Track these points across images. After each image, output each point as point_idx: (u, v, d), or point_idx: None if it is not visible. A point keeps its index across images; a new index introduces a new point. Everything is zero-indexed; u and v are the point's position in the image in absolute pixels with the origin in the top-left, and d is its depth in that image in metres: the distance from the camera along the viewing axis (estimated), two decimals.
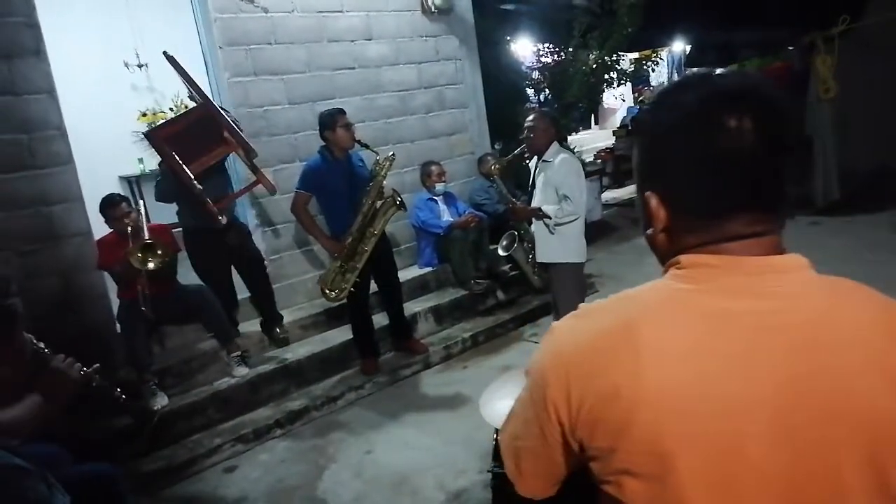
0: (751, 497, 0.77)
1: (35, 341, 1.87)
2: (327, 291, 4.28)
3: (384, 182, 4.24)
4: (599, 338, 0.84)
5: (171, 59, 3.87)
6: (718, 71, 0.88)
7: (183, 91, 7.52)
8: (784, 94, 0.84)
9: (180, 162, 3.81)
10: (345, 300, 4.33)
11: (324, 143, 4.26)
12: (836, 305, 0.81)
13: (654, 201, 0.87)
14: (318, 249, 5.10)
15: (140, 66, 7.46)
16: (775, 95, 0.82)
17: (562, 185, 3.76)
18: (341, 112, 4.23)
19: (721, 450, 0.77)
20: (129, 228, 3.78)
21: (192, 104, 7.70)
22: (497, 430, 1.70)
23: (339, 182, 4.21)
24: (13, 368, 1.60)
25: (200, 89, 4.05)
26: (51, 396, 1.92)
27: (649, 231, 0.91)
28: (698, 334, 0.80)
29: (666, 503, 0.79)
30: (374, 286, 4.53)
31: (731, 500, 0.77)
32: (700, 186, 0.83)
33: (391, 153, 4.26)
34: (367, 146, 4.22)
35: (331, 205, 4.33)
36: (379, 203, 4.23)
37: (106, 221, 3.90)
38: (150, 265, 3.69)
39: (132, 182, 7.33)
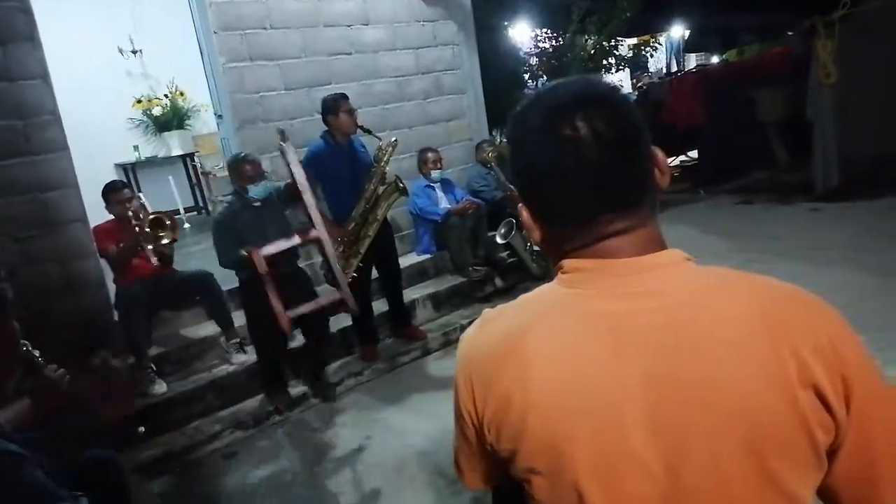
0: (635, 486, 0.81)
1: (30, 348, 1.84)
2: (328, 276, 4.27)
3: (387, 168, 4.22)
4: (495, 345, 0.90)
5: (282, 148, 3.65)
6: (568, 79, 0.90)
7: (178, 78, 7.50)
8: (616, 91, 0.87)
9: None
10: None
11: (326, 129, 4.24)
12: (705, 299, 0.82)
13: (524, 214, 0.92)
14: None
15: (134, 52, 7.43)
16: (608, 95, 0.85)
17: None
18: (344, 97, 4.21)
19: (604, 444, 0.81)
20: (130, 213, 3.81)
21: (190, 94, 7.65)
22: None
23: (341, 167, 4.20)
24: (2, 357, 1.58)
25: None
26: (40, 403, 1.90)
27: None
28: (574, 336, 0.84)
29: (566, 497, 0.84)
30: (373, 273, 4.52)
31: (617, 491, 0.81)
32: (556, 196, 0.86)
33: (394, 139, 4.24)
34: (369, 131, 4.20)
35: (333, 190, 4.32)
36: (381, 189, 4.21)
37: (107, 206, 3.90)
38: (164, 239, 3.81)
39: (128, 169, 7.31)
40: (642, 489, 0.80)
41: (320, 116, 4.83)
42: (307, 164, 4.23)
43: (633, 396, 0.80)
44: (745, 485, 0.78)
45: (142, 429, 3.01)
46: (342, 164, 4.20)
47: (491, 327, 0.93)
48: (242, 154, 4.07)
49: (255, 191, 3.88)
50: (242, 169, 3.90)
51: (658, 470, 0.80)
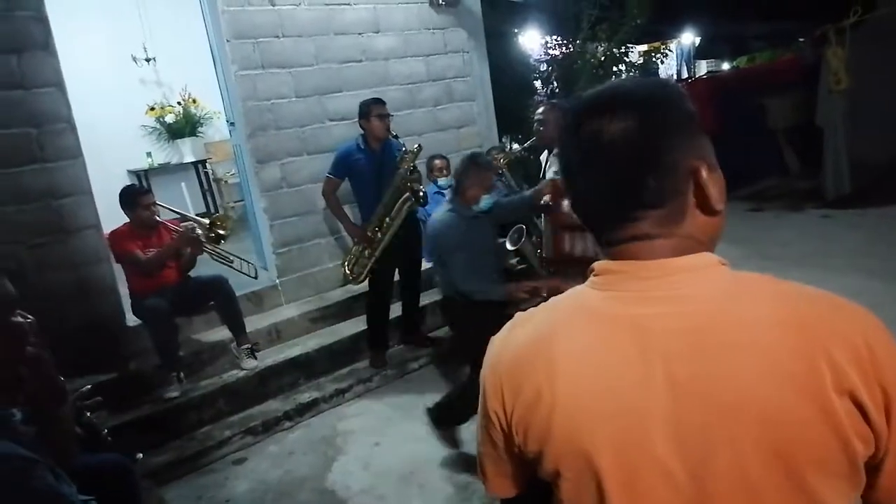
0: (658, 492, 0.80)
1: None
2: (348, 273, 4.44)
3: (410, 173, 4.23)
4: (525, 347, 0.90)
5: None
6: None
7: (191, 86, 7.57)
8: (660, 92, 0.85)
9: None
10: (363, 284, 4.48)
11: (361, 132, 4.30)
12: (734, 304, 0.80)
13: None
14: (325, 243, 5.11)
15: (148, 60, 7.49)
16: (645, 97, 0.84)
17: None
18: (377, 102, 4.26)
19: (627, 448, 0.80)
20: (187, 219, 4.12)
21: (202, 101, 7.70)
22: None
23: (366, 170, 4.26)
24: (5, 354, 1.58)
25: None
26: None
27: None
28: (600, 339, 0.84)
29: (591, 499, 0.83)
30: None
31: (640, 496, 0.80)
32: (583, 194, 0.88)
33: (416, 145, 4.26)
34: (396, 137, 4.25)
35: (358, 192, 4.42)
36: (400, 194, 4.22)
37: (132, 210, 3.92)
38: (223, 232, 4.13)
39: (140, 176, 7.36)
40: (666, 495, 0.79)
41: (332, 123, 4.88)
42: (333, 163, 4.37)
43: (657, 401, 0.79)
44: (776, 495, 0.76)
45: (140, 455, 3.01)
46: (368, 167, 4.25)
47: (521, 330, 0.93)
48: (481, 156, 3.45)
49: (485, 202, 3.28)
50: (485, 177, 3.30)
51: (682, 476, 0.78)
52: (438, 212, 3.26)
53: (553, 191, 3.36)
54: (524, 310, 0.96)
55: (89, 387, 2.04)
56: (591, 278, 0.89)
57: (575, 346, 0.85)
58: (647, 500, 0.80)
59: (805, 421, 0.74)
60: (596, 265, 0.89)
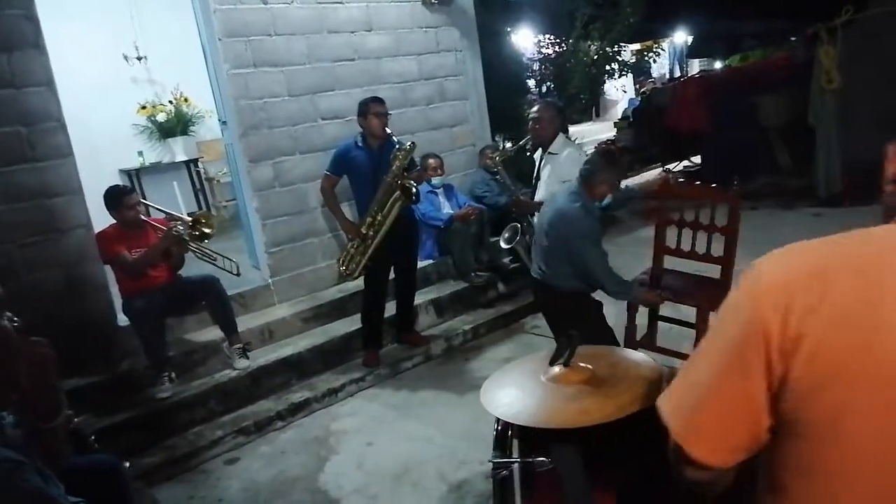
0: None
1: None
2: (343, 268, 4.42)
3: (404, 171, 4.21)
4: (823, 263, 0.86)
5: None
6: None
7: (183, 84, 7.54)
8: None
9: None
10: (357, 282, 4.45)
11: (361, 130, 4.32)
12: None
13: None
14: (318, 242, 5.10)
15: (139, 58, 7.44)
16: None
17: (568, 178, 3.75)
18: (376, 100, 4.28)
19: None
20: (170, 217, 4.10)
21: (192, 98, 7.68)
22: (498, 420, 1.69)
23: (364, 168, 4.28)
24: None
25: None
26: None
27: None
28: None
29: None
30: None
31: None
32: None
33: (409, 143, 4.25)
34: (390, 135, 4.24)
35: (356, 189, 4.44)
36: (392, 192, 4.21)
37: (116, 211, 3.89)
38: (207, 230, 4.10)
39: (132, 175, 7.32)
40: None
41: (324, 122, 4.87)
42: (331, 160, 4.41)
43: None
44: None
45: (128, 464, 2.98)
46: (366, 165, 4.27)
47: (803, 255, 0.90)
48: (617, 155, 3.34)
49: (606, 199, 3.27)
50: (619, 176, 3.30)
51: None
52: (559, 201, 3.20)
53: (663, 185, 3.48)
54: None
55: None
56: None
57: None
58: None
59: None
60: None
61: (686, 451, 0.91)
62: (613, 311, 3.53)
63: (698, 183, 3.45)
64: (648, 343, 3.66)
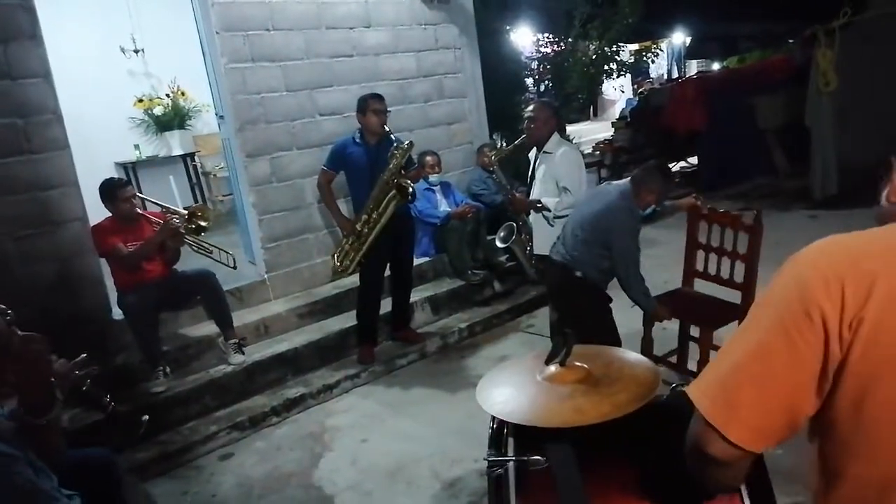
0: None
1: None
2: (337, 264, 4.42)
3: (401, 169, 4.20)
4: (877, 251, 0.89)
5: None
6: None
7: (180, 78, 7.52)
8: None
9: None
10: (352, 279, 4.47)
11: (359, 126, 4.30)
12: None
13: None
14: (314, 238, 5.10)
15: (136, 51, 7.42)
16: None
17: (563, 177, 3.76)
18: (375, 97, 4.25)
19: None
20: (168, 210, 4.06)
21: (189, 92, 7.66)
22: (493, 419, 1.69)
23: (361, 164, 4.25)
24: None
25: None
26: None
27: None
28: None
29: None
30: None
31: None
32: None
33: (407, 141, 4.24)
34: (389, 132, 4.23)
35: (353, 186, 4.41)
36: (388, 190, 4.20)
37: (111, 203, 3.87)
38: (203, 223, 4.06)
39: (128, 168, 7.30)
40: None
41: (322, 118, 4.85)
42: (329, 155, 4.39)
43: None
44: None
45: (145, 417, 2.98)
46: (363, 161, 4.25)
47: (846, 243, 0.92)
48: (668, 169, 3.51)
49: (649, 210, 3.39)
50: (667, 188, 3.39)
51: None
52: (612, 198, 3.29)
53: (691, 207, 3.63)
54: None
55: (84, 356, 2.02)
56: None
57: None
58: None
59: None
60: None
61: (720, 430, 0.91)
62: (622, 320, 3.55)
63: (723, 211, 3.60)
64: (676, 363, 3.69)
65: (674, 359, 3.68)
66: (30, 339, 1.72)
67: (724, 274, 3.56)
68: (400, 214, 4.28)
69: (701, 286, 3.77)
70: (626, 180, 3.36)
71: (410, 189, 4.13)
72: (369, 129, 4.22)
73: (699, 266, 3.69)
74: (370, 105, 4.19)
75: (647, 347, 3.60)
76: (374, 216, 4.20)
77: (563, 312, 3.44)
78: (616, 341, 3.23)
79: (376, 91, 4.51)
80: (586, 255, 3.29)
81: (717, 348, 3.56)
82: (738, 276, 3.49)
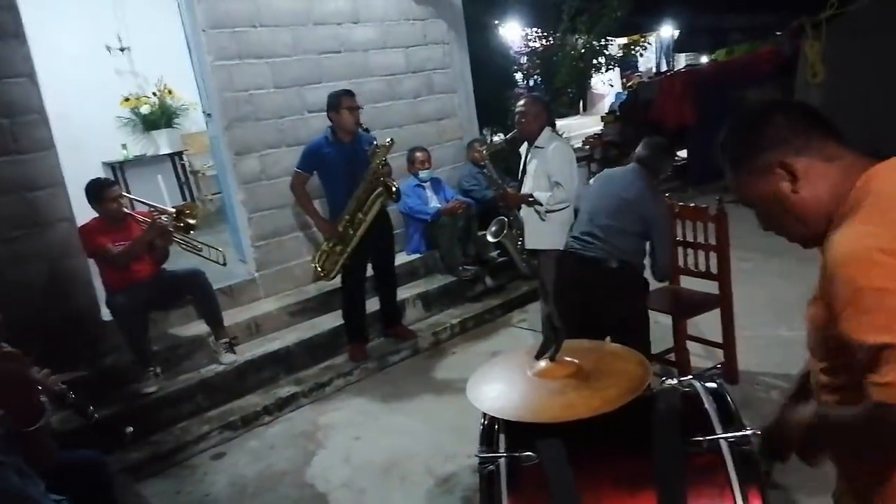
0: None
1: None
2: (318, 269, 4.33)
3: (382, 168, 4.17)
4: None
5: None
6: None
7: (166, 76, 7.45)
8: None
9: None
10: (336, 279, 4.38)
11: (330, 124, 4.20)
12: None
13: None
14: (304, 236, 5.07)
15: (122, 49, 7.34)
16: None
17: (555, 172, 3.76)
18: (347, 94, 4.16)
19: None
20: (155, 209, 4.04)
21: (179, 91, 7.61)
22: (485, 415, 1.69)
23: (337, 164, 4.16)
24: None
25: None
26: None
27: None
28: None
29: None
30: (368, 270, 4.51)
31: None
32: None
33: (388, 139, 4.20)
34: (367, 131, 4.16)
35: (329, 187, 4.31)
36: (372, 189, 4.17)
37: (98, 203, 3.84)
38: (192, 221, 4.03)
39: (115, 168, 7.23)
40: None
41: (311, 115, 4.79)
42: (301, 157, 4.26)
43: None
44: None
45: (129, 429, 2.97)
46: (339, 161, 4.16)
47: None
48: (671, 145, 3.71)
49: None
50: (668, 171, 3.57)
51: None
52: (641, 184, 3.24)
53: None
54: None
55: (71, 374, 2.01)
56: None
57: None
58: None
59: None
60: None
61: None
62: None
63: (692, 205, 3.72)
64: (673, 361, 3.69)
65: (671, 356, 3.69)
66: (8, 357, 1.70)
67: (702, 267, 3.64)
68: (378, 212, 4.24)
69: (688, 282, 3.81)
70: (632, 164, 3.37)
71: (395, 188, 4.11)
72: (343, 126, 4.12)
73: (681, 262, 3.75)
74: (343, 102, 4.09)
75: (683, 361, 3.64)
76: (358, 217, 4.16)
77: (594, 307, 3.26)
78: (646, 329, 3.26)
79: (365, 87, 4.48)
80: (623, 243, 3.20)
81: (692, 338, 3.71)
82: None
